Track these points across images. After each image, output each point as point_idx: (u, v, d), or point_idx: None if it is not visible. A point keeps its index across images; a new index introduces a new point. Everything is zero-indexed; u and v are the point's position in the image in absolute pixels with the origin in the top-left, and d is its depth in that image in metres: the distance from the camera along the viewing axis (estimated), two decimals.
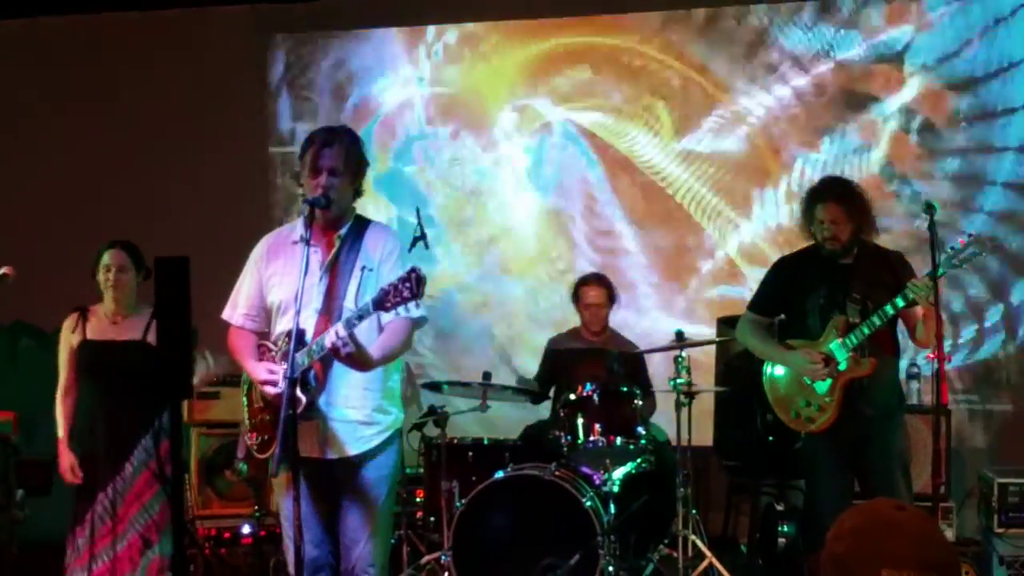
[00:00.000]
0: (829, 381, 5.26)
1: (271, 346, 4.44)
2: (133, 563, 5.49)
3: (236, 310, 4.57)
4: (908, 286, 4.95)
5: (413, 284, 3.91)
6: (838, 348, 5.24)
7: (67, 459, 5.62)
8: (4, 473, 6.51)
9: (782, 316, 5.65)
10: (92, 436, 5.59)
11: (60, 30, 8.76)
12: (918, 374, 6.92)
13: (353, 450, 4.39)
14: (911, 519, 2.24)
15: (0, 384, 8.17)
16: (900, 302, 5.02)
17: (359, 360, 4.20)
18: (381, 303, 3.97)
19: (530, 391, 6.78)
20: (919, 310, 5.10)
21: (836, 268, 5.33)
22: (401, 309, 3.98)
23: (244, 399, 4.58)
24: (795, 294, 5.46)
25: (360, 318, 4.07)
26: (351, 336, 4.09)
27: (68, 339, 5.71)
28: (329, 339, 4.10)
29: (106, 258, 5.66)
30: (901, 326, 5.37)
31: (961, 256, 4.96)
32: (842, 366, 5.23)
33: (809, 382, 5.34)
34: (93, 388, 5.64)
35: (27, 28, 8.79)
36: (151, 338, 5.49)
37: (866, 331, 5.15)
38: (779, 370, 5.53)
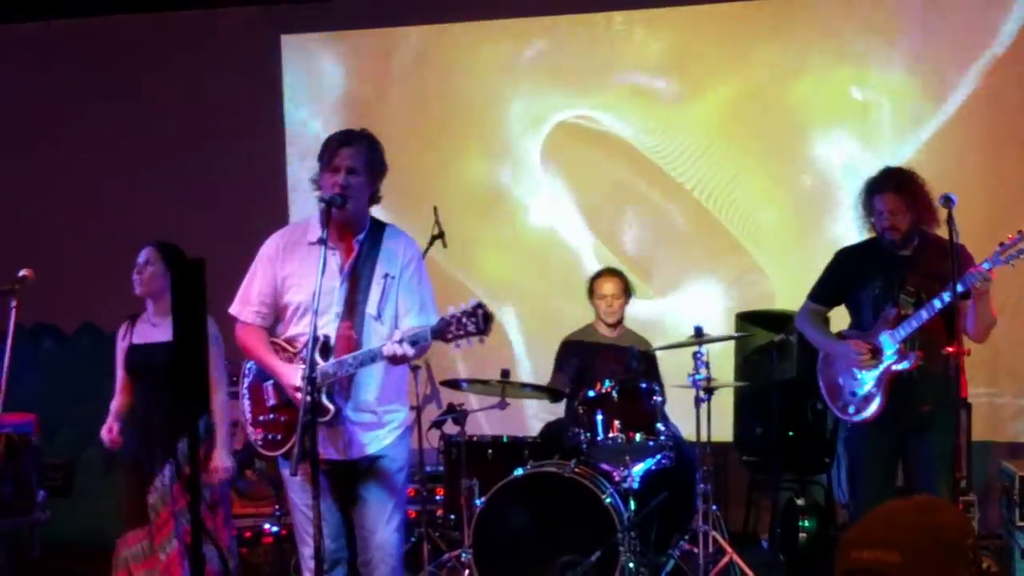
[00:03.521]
0: (876, 373, 5.26)
1: (284, 345, 4.45)
2: (182, 567, 5.51)
3: (247, 306, 4.55)
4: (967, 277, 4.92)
5: (480, 321, 3.94)
6: (887, 340, 5.23)
7: (110, 423, 5.65)
8: (26, 474, 6.54)
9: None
10: (136, 440, 5.61)
11: (73, 33, 8.79)
12: None
13: (372, 449, 4.45)
14: (897, 504, 2.32)
15: (21, 386, 8.18)
16: (948, 297, 4.99)
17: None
18: (441, 333, 4.01)
19: (548, 389, 6.77)
20: (969, 303, 5.07)
21: (894, 260, 5.32)
22: (463, 342, 4.00)
23: (246, 391, 4.59)
24: (852, 285, 5.47)
25: (415, 343, 4.09)
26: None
27: (120, 345, 5.76)
28: (389, 351, 4.10)
29: (138, 257, 5.69)
30: None
31: (1008, 251, 4.94)
32: (888, 358, 5.22)
33: (858, 372, 5.33)
34: (140, 391, 5.67)
35: (40, 31, 8.83)
36: None
37: (915, 324, 5.14)
38: (829, 359, 5.54)
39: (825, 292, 5.64)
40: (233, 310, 4.59)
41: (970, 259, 5.16)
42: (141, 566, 5.54)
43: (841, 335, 5.52)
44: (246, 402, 4.59)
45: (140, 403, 5.64)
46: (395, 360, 4.15)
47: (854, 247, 5.60)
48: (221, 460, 5.58)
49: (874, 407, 5.27)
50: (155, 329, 5.66)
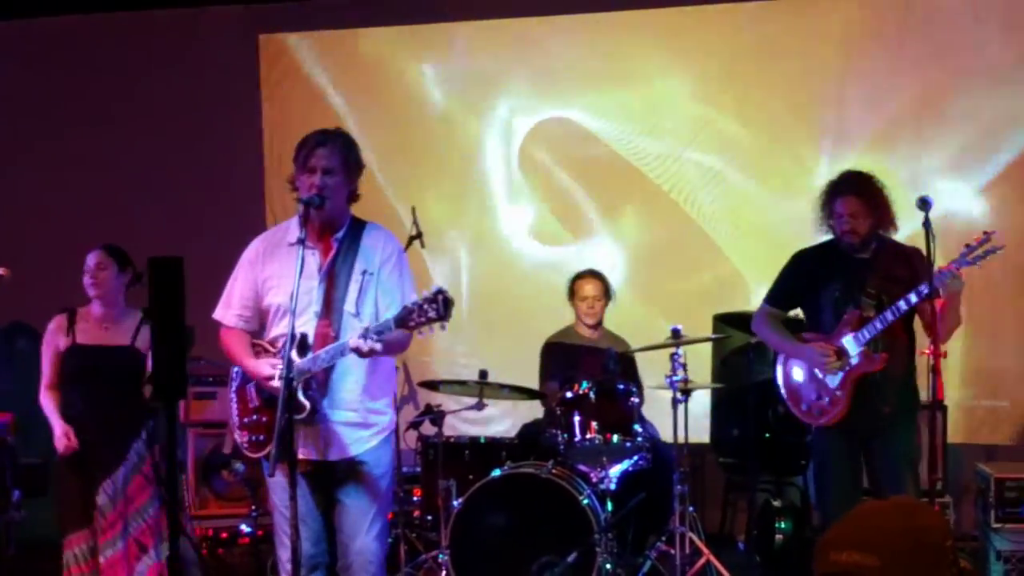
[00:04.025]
0: (840, 375, 5.26)
1: (267, 347, 4.45)
2: (129, 568, 5.44)
3: (229, 310, 4.55)
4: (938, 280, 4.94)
5: (440, 306, 3.91)
6: (851, 342, 5.23)
7: (61, 427, 5.52)
8: (1, 474, 6.50)
9: (798, 310, 5.65)
10: (82, 442, 5.52)
11: (56, 30, 8.76)
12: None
13: (353, 451, 4.41)
14: (876, 505, 2.31)
15: None
16: (914, 298, 5.02)
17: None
18: (404, 322, 3.98)
19: (526, 390, 6.76)
20: (937, 304, 5.08)
21: (853, 262, 5.32)
22: (425, 329, 3.99)
23: (233, 395, 4.58)
24: (811, 287, 5.46)
25: (380, 333, 4.06)
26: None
27: (55, 340, 5.64)
28: (354, 344, 4.08)
29: (87, 261, 5.63)
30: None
31: (975, 252, 4.97)
32: (854, 360, 5.23)
33: (821, 375, 5.33)
34: (84, 393, 5.57)
35: (24, 29, 8.80)
36: (139, 343, 5.50)
37: (879, 326, 5.15)
38: (792, 363, 5.52)
39: (783, 295, 5.63)
40: (216, 315, 4.59)
41: (927, 264, 5.22)
42: (84, 567, 5.49)
43: (802, 338, 5.52)
44: (233, 406, 4.58)
45: (84, 404, 5.54)
46: (362, 353, 4.13)
47: (811, 249, 5.56)
48: None
49: (838, 410, 5.28)
50: (106, 332, 5.61)
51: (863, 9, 7.83)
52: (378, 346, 4.08)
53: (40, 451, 7.66)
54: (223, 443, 6.89)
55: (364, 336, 4.07)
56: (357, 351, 4.10)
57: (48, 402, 5.63)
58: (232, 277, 4.59)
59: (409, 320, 3.97)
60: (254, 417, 4.48)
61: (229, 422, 4.69)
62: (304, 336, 4.24)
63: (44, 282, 7.09)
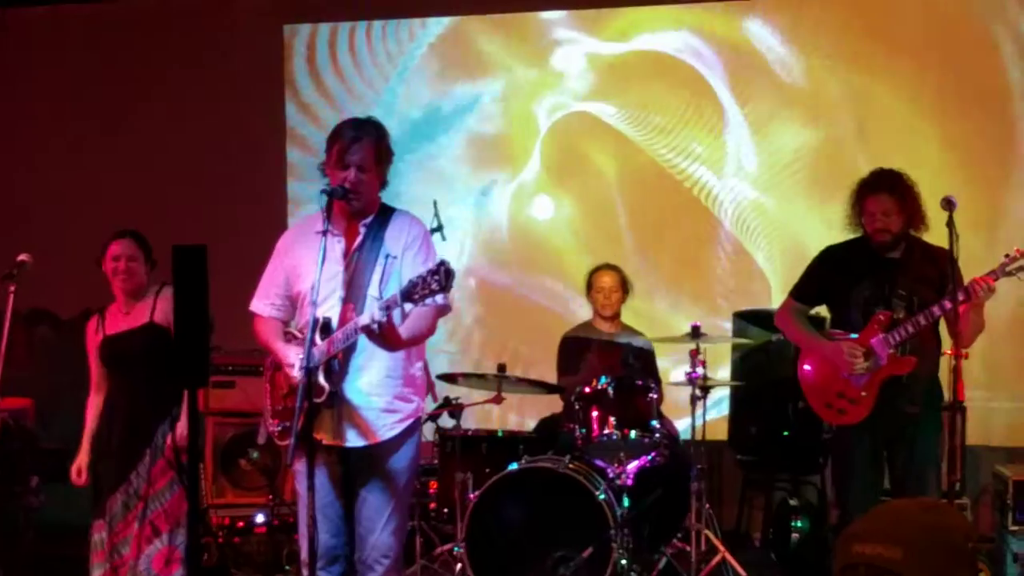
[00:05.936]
0: (867, 375, 5.22)
1: (297, 333, 4.46)
2: (138, 550, 5.45)
3: (263, 300, 4.59)
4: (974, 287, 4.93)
5: (442, 277, 3.90)
6: (881, 344, 5.19)
7: (81, 458, 5.56)
8: (20, 460, 6.53)
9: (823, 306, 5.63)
10: (110, 432, 5.52)
11: (79, 18, 8.79)
12: None
13: (374, 438, 4.39)
14: (903, 503, 2.37)
15: (16, 371, 8.17)
16: (948, 305, 4.97)
17: (390, 340, 4.22)
18: (409, 295, 3.97)
19: (544, 384, 6.76)
20: (960, 308, 5.04)
21: (883, 262, 5.28)
22: (428, 301, 4.00)
23: (268, 385, 4.59)
24: (839, 285, 5.40)
25: (388, 308, 4.06)
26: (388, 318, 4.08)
27: (94, 340, 5.63)
28: (363, 321, 4.09)
29: (115, 248, 5.56)
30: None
31: (1014, 265, 4.97)
32: (883, 362, 5.20)
33: (846, 374, 5.29)
34: (114, 381, 5.58)
35: (51, 16, 8.83)
36: (157, 317, 5.49)
37: (911, 329, 5.12)
38: (814, 359, 5.49)
39: (810, 290, 5.57)
40: (252, 306, 4.62)
41: (956, 266, 5.17)
42: (100, 554, 5.48)
43: (828, 335, 5.49)
44: (267, 396, 4.60)
45: (120, 393, 5.55)
46: (371, 330, 4.11)
47: (841, 246, 5.51)
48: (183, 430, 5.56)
49: (863, 410, 5.23)
50: (127, 317, 5.59)
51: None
52: (385, 318, 4.07)
53: (59, 437, 7.71)
54: (243, 432, 6.92)
55: (380, 311, 4.08)
56: (366, 327, 4.11)
57: (90, 409, 5.64)
58: (267, 267, 4.63)
59: (413, 293, 3.96)
60: (284, 404, 4.48)
61: (263, 411, 4.69)
62: (328, 320, 4.25)
63: (65, 269, 7.12)
